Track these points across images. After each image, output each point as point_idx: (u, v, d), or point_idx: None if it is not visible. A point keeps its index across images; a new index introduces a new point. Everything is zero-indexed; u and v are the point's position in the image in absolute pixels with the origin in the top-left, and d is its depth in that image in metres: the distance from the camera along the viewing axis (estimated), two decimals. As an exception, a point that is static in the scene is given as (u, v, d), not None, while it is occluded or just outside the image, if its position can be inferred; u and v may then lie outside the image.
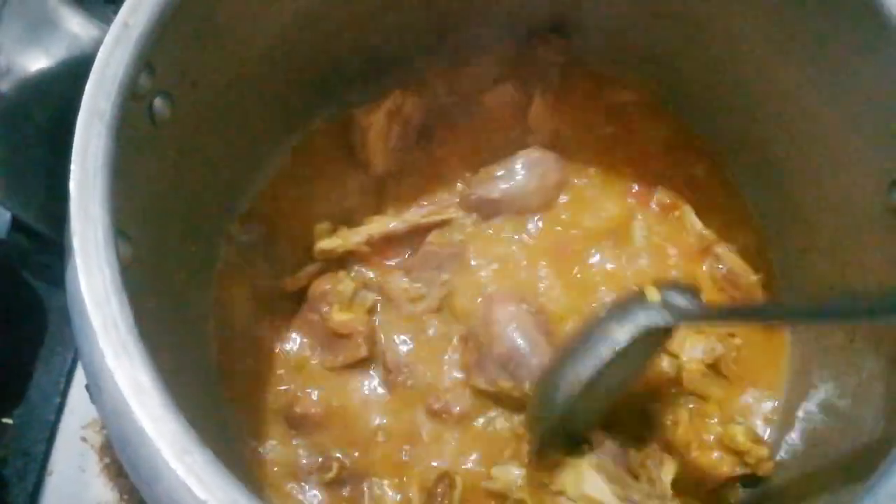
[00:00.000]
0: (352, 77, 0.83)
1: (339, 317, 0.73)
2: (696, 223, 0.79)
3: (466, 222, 0.79)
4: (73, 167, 0.48)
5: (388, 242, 0.78)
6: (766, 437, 0.73)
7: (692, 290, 0.60)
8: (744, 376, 0.74)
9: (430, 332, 0.75)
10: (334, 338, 0.73)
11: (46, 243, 0.61)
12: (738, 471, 0.68)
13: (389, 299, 0.76)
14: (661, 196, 0.81)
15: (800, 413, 0.72)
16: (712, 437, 0.68)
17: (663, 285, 0.61)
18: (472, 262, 0.77)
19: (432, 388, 0.72)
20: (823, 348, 0.71)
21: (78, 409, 0.81)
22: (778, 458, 0.71)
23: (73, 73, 0.54)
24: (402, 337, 0.74)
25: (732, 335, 0.74)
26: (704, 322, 0.70)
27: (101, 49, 0.51)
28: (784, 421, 0.73)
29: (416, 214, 0.79)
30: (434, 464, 0.69)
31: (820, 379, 0.70)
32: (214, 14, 0.62)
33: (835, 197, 0.68)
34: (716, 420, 0.69)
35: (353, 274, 0.77)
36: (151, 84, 0.56)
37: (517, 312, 0.71)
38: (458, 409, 0.71)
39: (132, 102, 0.54)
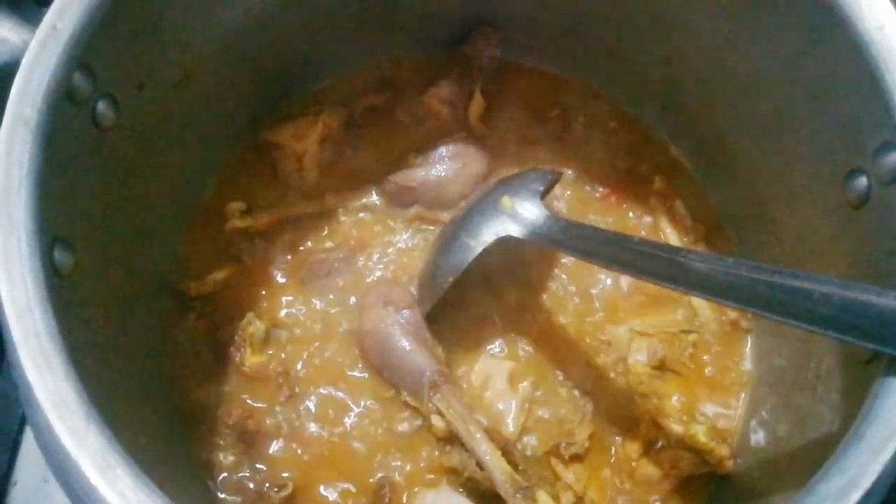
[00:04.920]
0: (298, 77, 0.82)
1: (251, 361, 0.73)
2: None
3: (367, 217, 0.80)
4: (-6, 176, 0.47)
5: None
6: (728, 433, 0.72)
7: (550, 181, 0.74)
8: (703, 373, 0.74)
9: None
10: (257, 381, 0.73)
11: None
12: (700, 469, 0.67)
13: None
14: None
15: (761, 408, 0.71)
16: (673, 437, 0.67)
17: (520, 191, 0.72)
18: (362, 263, 0.78)
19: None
20: (784, 342, 0.70)
21: (40, 419, 0.80)
22: (742, 453, 0.70)
23: (5, 78, 0.53)
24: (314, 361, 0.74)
25: (687, 332, 0.73)
26: (552, 247, 0.72)
27: (27, 54, 0.50)
28: (746, 416, 0.73)
29: (333, 199, 0.80)
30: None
31: (781, 373, 0.70)
32: (156, 16, 0.61)
33: (795, 190, 0.68)
34: (675, 419, 0.68)
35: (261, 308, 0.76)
36: (92, 87, 0.56)
37: (385, 316, 0.72)
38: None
39: (70, 107, 0.54)
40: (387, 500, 0.68)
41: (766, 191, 0.72)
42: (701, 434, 0.66)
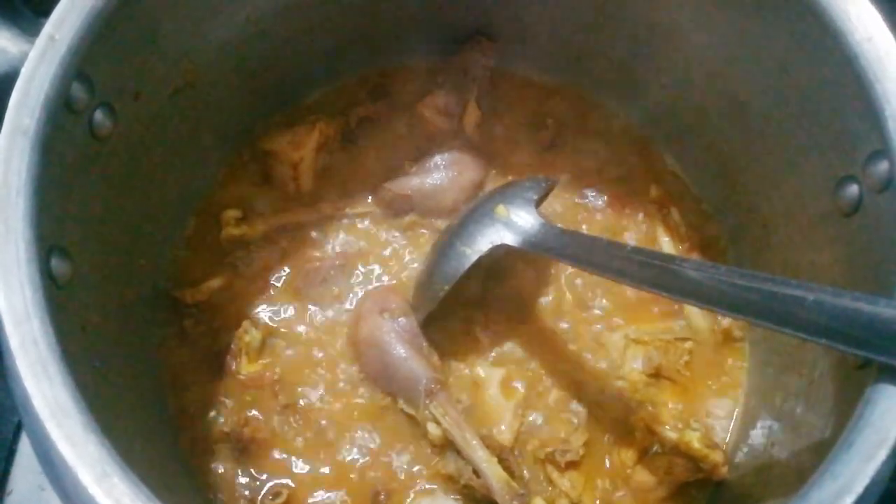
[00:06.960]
0: (294, 85, 0.83)
1: (247, 369, 0.73)
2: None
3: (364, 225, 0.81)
4: (-8, 186, 0.48)
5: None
6: (724, 440, 0.72)
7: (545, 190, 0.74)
8: (698, 381, 0.74)
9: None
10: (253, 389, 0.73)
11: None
12: (694, 476, 0.67)
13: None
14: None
15: (755, 414, 0.71)
16: (667, 443, 0.67)
17: (515, 200, 0.72)
18: (357, 271, 0.78)
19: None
20: (777, 349, 0.70)
21: (35, 427, 0.80)
22: (736, 459, 0.70)
23: (4, 88, 0.53)
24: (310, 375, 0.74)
25: (683, 340, 0.74)
26: (547, 255, 0.72)
27: (25, 65, 0.51)
28: (740, 423, 0.73)
29: (329, 207, 0.80)
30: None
31: (774, 380, 0.70)
32: (153, 26, 0.62)
33: (788, 197, 0.68)
34: (670, 426, 0.68)
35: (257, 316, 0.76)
36: (90, 97, 0.56)
37: (381, 324, 0.72)
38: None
39: (67, 116, 0.54)
40: (383, 507, 0.68)
41: (758, 199, 0.73)
42: (695, 441, 0.66)
